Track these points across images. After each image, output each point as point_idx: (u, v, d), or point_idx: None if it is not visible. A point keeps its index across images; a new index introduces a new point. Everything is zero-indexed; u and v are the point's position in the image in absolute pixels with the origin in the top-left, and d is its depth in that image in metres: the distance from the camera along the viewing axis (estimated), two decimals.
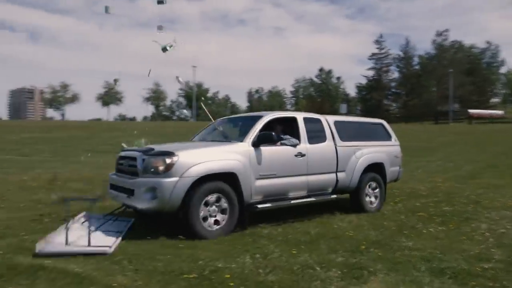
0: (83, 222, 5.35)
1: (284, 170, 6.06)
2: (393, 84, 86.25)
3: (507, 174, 13.02)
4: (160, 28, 6.05)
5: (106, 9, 6.04)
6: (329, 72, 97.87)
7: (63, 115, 76.86)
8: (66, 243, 4.44)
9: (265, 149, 5.85)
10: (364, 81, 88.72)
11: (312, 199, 6.49)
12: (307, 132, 6.56)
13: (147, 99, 80.00)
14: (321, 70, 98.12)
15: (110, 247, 4.41)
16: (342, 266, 4.12)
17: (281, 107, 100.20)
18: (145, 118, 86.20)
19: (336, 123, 7.18)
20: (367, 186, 7.34)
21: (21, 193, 8.73)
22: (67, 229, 4.54)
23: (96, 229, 5.12)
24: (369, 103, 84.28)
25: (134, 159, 5.44)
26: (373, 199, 7.44)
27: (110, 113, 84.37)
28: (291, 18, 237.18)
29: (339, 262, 4.23)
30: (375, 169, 7.49)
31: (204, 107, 7.39)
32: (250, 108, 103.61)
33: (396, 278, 3.82)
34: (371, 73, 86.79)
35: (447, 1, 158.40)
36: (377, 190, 7.52)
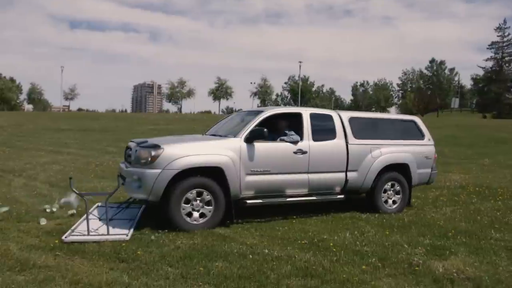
0: (99, 212, 5.88)
1: (279, 167, 5.92)
2: None
3: None
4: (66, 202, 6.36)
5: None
6: (441, 63, 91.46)
7: (180, 108, 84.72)
8: (88, 233, 4.98)
9: (260, 145, 5.75)
10: (481, 72, 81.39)
11: (314, 198, 6.32)
12: (313, 128, 6.26)
13: (255, 94, 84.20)
14: (432, 61, 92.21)
15: (126, 235, 4.98)
16: (427, 246, 4.96)
17: (387, 101, 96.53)
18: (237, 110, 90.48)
19: (352, 119, 6.77)
20: (385, 187, 6.88)
21: None
22: (87, 220, 5.07)
23: (112, 218, 5.49)
24: (486, 97, 76.99)
25: (131, 149, 5.84)
26: (393, 200, 6.99)
27: (220, 106, 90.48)
28: (401, 5, 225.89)
29: (426, 243, 5.07)
30: (398, 169, 6.98)
31: None
32: (354, 102, 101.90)
33: (475, 259, 4.54)
34: (490, 63, 79.24)
35: None
36: (398, 191, 7.01)
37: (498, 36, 78.76)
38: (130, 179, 5.41)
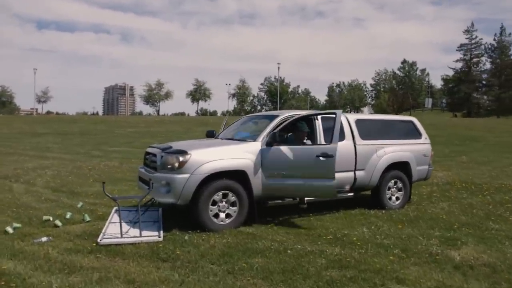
0: (121, 214, 5.67)
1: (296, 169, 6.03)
2: (484, 75, 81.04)
3: None
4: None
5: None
6: (413, 64, 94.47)
7: (158, 110, 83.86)
8: (121, 235, 5.15)
9: (277, 149, 5.93)
10: (451, 73, 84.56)
11: None
12: (324, 131, 6.47)
13: (233, 95, 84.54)
14: (404, 62, 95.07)
15: (158, 236, 5.20)
16: (439, 237, 5.42)
17: (362, 101, 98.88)
18: (227, 112, 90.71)
19: (358, 121, 7.16)
20: (389, 184, 7.30)
21: None
22: (120, 223, 5.26)
23: (136, 221, 5.56)
24: (456, 96, 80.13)
25: (155, 155, 5.95)
26: (396, 196, 7.42)
27: (197, 108, 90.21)
28: (372, 8, 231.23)
29: (437, 235, 5.53)
30: (399, 167, 7.42)
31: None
32: (330, 102, 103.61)
33: (484, 247, 5.02)
34: (459, 64, 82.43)
35: None
36: (401, 188, 7.45)
37: (466, 38, 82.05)
38: (158, 184, 5.56)
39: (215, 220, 5.62)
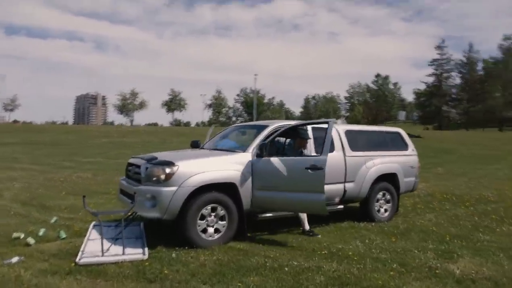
0: (98, 231, 5.29)
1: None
2: (454, 90, 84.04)
3: None
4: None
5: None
6: (386, 78, 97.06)
7: (132, 121, 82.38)
8: (102, 253, 4.75)
9: (268, 160, 5.63)
10: (422, 87, 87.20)
11: None
12: (315, 141, 6.24)
13: (209, 106, 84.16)
14: (377, 76, 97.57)
15: (143, 254, 4.83)
16: (434, 250, 5.30)
17: (336, 113, 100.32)
18: (201, 123, 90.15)
19: (348, 132, 7.03)
20: (378, 196, 7.20)
21: None
22: (102, 240, 4.84)
23: (117, 237, 5.24)
24: (427, 110, 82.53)
25: (139, 166, 5.60)
26: (384, 208, 7.33)
27: (172, 118, 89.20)
28: (346, 22, 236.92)
29: (432, 248, 5.42)
30: (387, 179, 7.32)
31: None
32: (306, 114, 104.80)
33: (480, 260, 4.94)
34: (431, 79, 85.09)
35: None
36: (389, 200, 7.37)
37: (438, 54, 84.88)
38: (143, 198, 5.16)
39: (203, 235, 5.29)
